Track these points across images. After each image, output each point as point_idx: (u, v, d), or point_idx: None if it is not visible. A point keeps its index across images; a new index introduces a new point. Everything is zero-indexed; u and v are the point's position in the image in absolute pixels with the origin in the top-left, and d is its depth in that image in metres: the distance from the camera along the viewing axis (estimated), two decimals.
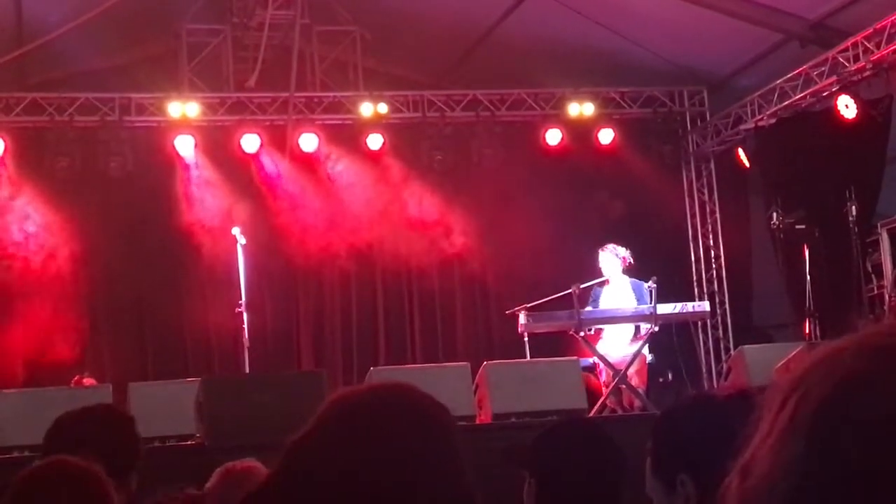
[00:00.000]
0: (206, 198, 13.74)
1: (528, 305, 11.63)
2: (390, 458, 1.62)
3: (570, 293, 11.27)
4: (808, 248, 12.30)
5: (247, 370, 11.45)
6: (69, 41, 12.59)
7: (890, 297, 12.01)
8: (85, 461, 2.76)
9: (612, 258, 11.90)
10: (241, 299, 11.53)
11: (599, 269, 11.97)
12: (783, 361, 9.43)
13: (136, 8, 12.99)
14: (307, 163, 14.13)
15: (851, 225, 11.90)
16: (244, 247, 11.74)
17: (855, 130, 12.16)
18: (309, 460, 1.66)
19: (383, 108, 14.15)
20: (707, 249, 15.13)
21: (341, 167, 14.18)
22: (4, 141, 13.24)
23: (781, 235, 12.73)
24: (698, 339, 14.41)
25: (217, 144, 13.89)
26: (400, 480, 1.62)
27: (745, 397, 2.35)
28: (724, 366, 13.52)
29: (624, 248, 12.03)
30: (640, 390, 11.44)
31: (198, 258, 13.56)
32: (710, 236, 15.13)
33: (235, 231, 11.86)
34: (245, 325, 11.49)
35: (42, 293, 13.13)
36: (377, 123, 14.14)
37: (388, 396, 1.72)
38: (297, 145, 13.94)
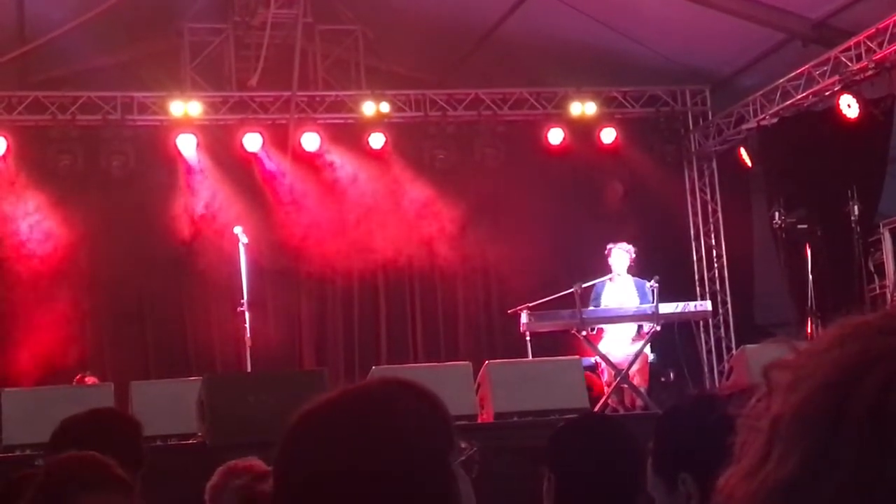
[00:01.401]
0: (207, 197, 13.74)
1: (530, 305, 11.64)
2: (357, 466, 1.62)
3: (571, 292, 11.28)
4: (810, 247, 12.30)
5: (248, 369, 11.46)
6: (71, 40, 12.60)
7: (892, 296, 12.00)
8: (99, 455, 2.78)
9: (624, 254, 11.97)
10: (242, 298, 11.54)
11: (606, 266, 11.99)
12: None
13: (138, 6, 13.00)
14: (309, 162, 14.13)
15: (853, 224, 11.90)
16: (246, 246, 11.76)
17: (857, 130, 12.15)
18: (285, 476, 1.68)
19: (385, 107, 14.14)
20: (709, 249, 15.12)
21: (343, 166, 14.18)
22: (7, 139, 13.25)
23: (783, 235, 12.73)
24: (700, 338, 14.40)
25: (219, 143, 13.89)
26: (369, 488, 1.62)
27: (748, 396, 2.34)
28: (726, 365, 13.51)
29: (632, 246, 12.10)
30: (642, 389, 11.45)
31: (200, 257, 13.56)
32: (712, 235, 15.12)
33: (237, 230, 11.88)
34: (247, 324, 11.50)
35: (44, 291, 13.13)
36: (379, 122, 14.13)
37: (358, 402, 1.72)
38: (299, 144, 13.93)
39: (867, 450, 0.91)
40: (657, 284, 11.25)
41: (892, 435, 0.91)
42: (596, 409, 10.68)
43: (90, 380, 12.10)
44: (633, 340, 11.73)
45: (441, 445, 1.68)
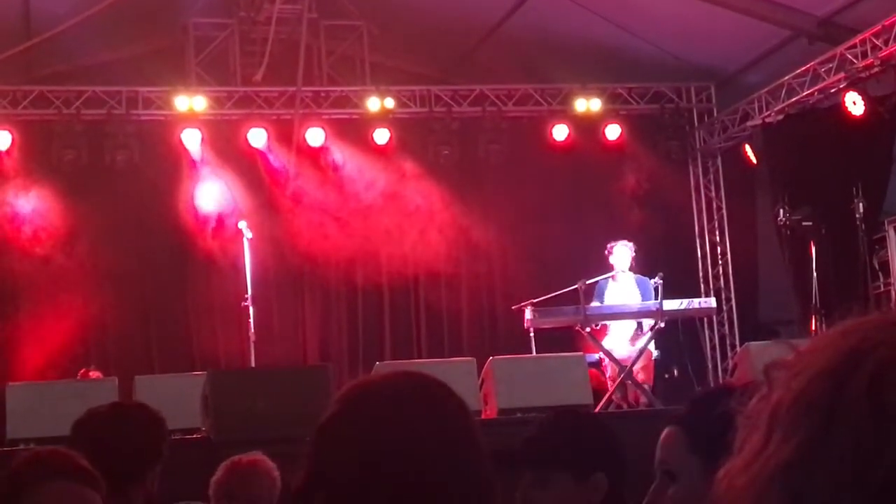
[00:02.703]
0: (212, 192, 13.75)
1: (534, 301, 11.65)
2: (410, 443, 1.64)
3: (575, 289, 11.29)
4: (815, 244, 12.29)
5: (252, 364, 11.47)
6: (76, 34, 12.60)
7: None
8: (71, 452, 2.78)
9: (627, 251, 11.98)
10: (247, 293, 11.55)
11: (609, 263, 12.00)
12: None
13: (144, 1, 13.01)
14: (314, 157, 14.14)
15: (858, 222, 11.89)
16: (250, 241, 11.77)
17: (862, 127, 12.13)
18: (330, 449, 1.67)
19: (390, 102, 14.15)
20: (713, 246, 15.12)
21: (348, 161, 14.19)
22: (11, 134, 13.26)
23: (788, 232, 12.72)
24: (704, 335, 14.40)
25: (224, 138, 13.89)
26: (419, 463, 1.63)
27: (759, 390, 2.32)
28: (730, 362, 13.52)
29: (632, 244, 12.11)
30: (647, 386, 11.45)
31: (204, 252, 13.57)
32: (717, 233, 15.11)
33: (242, 225, 11.89)
34: (251, 319, 11.51)
35: (48, 286, 13.15)
36: (384, 118, 14.13)
37: (402, 382, 1.73)
38: (304, 139, 13.94)
39: (864, 433, 0.93)
40: (661, 281, 11.24)
41: (888, 418, 0.92)
42: (600, 405, 10.69)
43: (94, 374, 12.12)
44: (632, 338, 11.75)
45: (478, 432, 1.71)
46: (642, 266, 12.12)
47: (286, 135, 13.94)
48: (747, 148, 14.27)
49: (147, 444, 3.82)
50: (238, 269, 12.06)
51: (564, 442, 3.27)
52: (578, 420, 3.55)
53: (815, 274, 12.06)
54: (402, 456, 1.62)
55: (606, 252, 12.10)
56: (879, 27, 11.69)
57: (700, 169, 15.27)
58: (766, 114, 13.67)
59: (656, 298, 11.32)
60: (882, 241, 12.51)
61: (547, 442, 3.31)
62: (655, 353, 11.89)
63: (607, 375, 11.61)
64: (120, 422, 3.87)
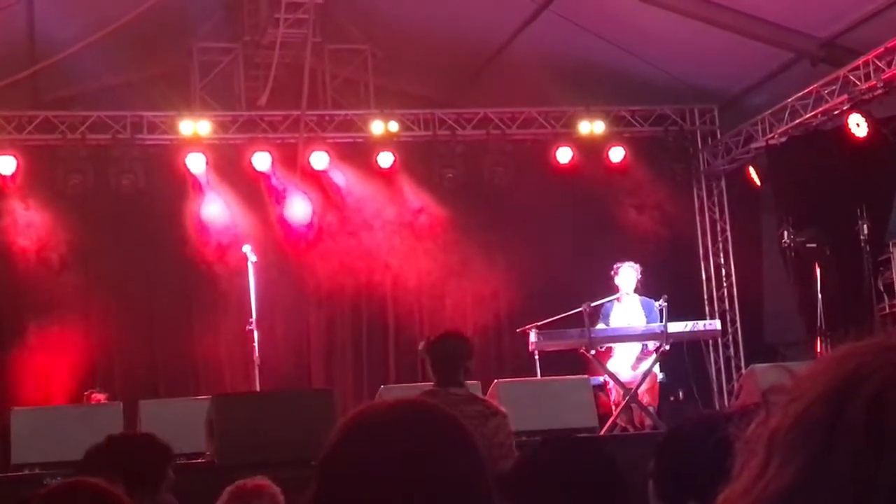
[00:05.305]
0: (217, 215, 13.77)
1: (539, 323, 11.64)
2: (413, 470, 1.64)
3: (580, 311, 11.28)
4: (820, 266, 12.27)
5: (257, 388, 11.45)
6: (81, 59, 12.64)
7: None
8: (105, 482, 2.78)
9: (632, 273, 11.96)
10: (251, 317, 11.55)
11: (614, 285, 11.99)
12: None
13: (148, 26, 13.04)
14: (318, 180, 14.16)
15: (863, 243, 11.88)
16: (255, 264, 11.78)
17: (866, 149, 12.14)
18: (334, 475, 1.67)
19: (394, 126, 14.18)
20: (718, 268, 15.11)
21: (352, 185, 14.20)
22: (17, 159, 13.28)
23: (793, 254, 12.70)
24: (709, 357, 14.38)
25: (228, 162, 13.92)
26: (423, 490, 1.63)
27: (754, 415, 2.32)
28: (735, 384, 13.48)
29: (638, 265, 12.10)
30: (652, 409, 11.42)
31: (209, 276, 13.57)
32: (722, 255, 15.11)
33: (246, 249, 11.90)
34: (256, 343, 11.50)
35: (53, 309, 13.15)
36: (388, 141, 14.16)
37: (407, 409, 1.73)
38: (308, 163, 13.96)
39: (862, 458, 0.93)
40: (666, 303, 11.24)
41: (885, 443, 0.93)
42: (605, 428, 10.67)
43: (99, 397, 12.12)
44: (636, 361, 11.73)
45: (482, 460, 1.71)
46: (646, 288, 12.12)
47: (291, 158, 13.96)
48: (751, 170, 14.28)
49: (155, 471, 3.84)
50: (242, 292, 12.06)
51: (556, 470, 3.20)
52: (573, 447, 3.46)
53: (819, 296, 12.04)
54: (406, 482, 1.62)
55: (613, 273, 12.09)
56: (882, 49, 11.71)
57: (704, 191, 15.28)
58: (770, 136, 13.68)
59: (661, 321, 11.31)
60: (887, 263, 12.49)
61: (536, 469, 3.25)
62: (660, 376, 11.87)
63: (612, 398, 11.58)
64: (134, 450, 3.90)
